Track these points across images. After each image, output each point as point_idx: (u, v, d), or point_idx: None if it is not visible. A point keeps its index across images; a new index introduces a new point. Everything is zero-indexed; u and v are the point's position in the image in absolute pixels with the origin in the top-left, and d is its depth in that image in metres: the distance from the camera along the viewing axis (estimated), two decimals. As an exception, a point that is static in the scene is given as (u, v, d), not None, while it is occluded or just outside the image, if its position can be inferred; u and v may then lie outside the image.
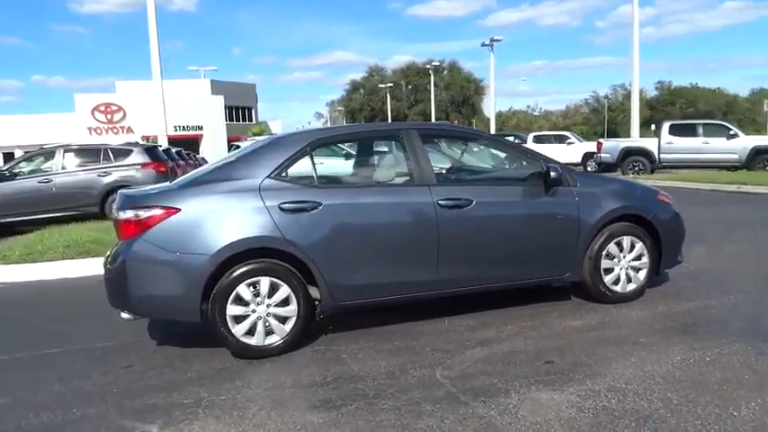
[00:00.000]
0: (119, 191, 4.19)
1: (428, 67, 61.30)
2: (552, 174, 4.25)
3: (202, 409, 3.13)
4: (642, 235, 4.61)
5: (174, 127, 34.07)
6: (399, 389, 3.24)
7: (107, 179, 11.60)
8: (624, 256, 4.58)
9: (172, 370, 3.71)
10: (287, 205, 3.80)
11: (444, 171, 4.63)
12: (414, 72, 78.11)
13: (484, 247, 4.22)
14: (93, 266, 6.79)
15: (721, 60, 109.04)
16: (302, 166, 4.03)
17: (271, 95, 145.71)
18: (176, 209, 3.69)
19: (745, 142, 16.81)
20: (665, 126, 17.93)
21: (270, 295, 3.79)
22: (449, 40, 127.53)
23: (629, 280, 4.61)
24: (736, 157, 16.56)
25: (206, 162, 12.88)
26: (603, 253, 4.50)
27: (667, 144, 17.22)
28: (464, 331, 4.16)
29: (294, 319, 3.84)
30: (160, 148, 13.86)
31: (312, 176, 4.01)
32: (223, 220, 3.73)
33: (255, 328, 3.78)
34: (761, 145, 16.74)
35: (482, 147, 4.86)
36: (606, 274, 4.54)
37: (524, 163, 4.52)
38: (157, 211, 3.68)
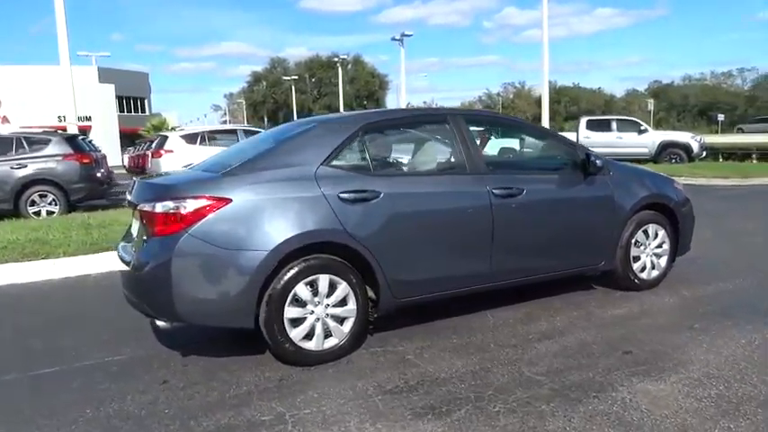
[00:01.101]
0: (137, 179, 3.62)
1: (336, 60, 60.88)
2: (597, 162, 4.21)
3: (292, 425, 2.75)
4: (664, 222, 4.72)
5: (59, 117, 30.75)
6: (498, 389, 3.04)
7: (22, 172, 10.30)
8: (649, 244, 4.66)
9: (222, 383, 3.25)
10: (347, 195, 3.45)
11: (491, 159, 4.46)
12: (318, 65, 77.29)
13: (533, 238, 4.11)
14: (46, 270, 5.97)
15: (594, 62, 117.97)
16: (355, 153, 3.68)
17: (158, 86, 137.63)
18: (227, 199, 3.22)
19: (654, 137, 18.20)
20: (583, 121, 19.02)
21: (328, 294, 3.43)
22: (343, 34, 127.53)
23: (652, 267, 4.71)
24: (646, 150, 17.86)
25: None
26: (633, 241, 4.55)
27: (585, 138, 18.23)
28: (516, 324, 4.02)
29: (353, 319, 3.51)
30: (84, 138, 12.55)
31: (367, 163, 3.68)
32: (280, 211, 3.31)
33: (314, 332, 3.41)
34: (667, 140, 18.19)
35: (522, 134, 4.75)
36: (634, 262, 4.60)
37: (564, 151, 4.45)
38: (205, 202, 3.20)
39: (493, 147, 4.56)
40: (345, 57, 59.08)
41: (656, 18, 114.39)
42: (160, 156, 13.45)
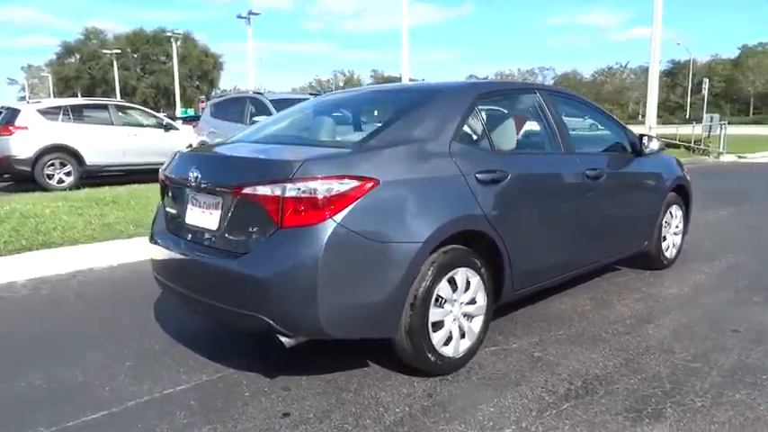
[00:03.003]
0: (197, 152, 2.75)
1: (167, 35, 56.00)
2: (653, 144, 4.22)
3: (516, 452, 2.28)
4: (681, 203, 4.93)
5: None
6: (671, 381, 2.85)
7: None
8: (672, 224, 4.84)
9: (363, 408, 2.62)
10: (482, 175, 2.99)
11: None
12: (142, 40, 70.68)
13: (608, 220, 4.00)
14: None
15: (412, 56, 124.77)
16: (476, 126, 3.20)
17: None
18: (374, 180, 2.58)
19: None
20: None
21: (464, 290, 2.96)
22: (156, 8, 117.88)
23: (673, 246, 4.90)
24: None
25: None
26: (663, 221, 4.69)
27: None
28: (597, 310, 3.89)
29: (482, 317, 3.08)
30: None
31: (487, 139, 3.22)
32: (426, 194, 2.76)
33: (452, 335, 2.92)
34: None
35: (585, 113, 4.56)
36: (663, 242, 4.74)
37: (620, 132, 4.38)
38: (353, 184, 2.52)
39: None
40: (180, 33, 54.56)
41: (465, 16, 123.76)
42: (10, 133, 11.06)
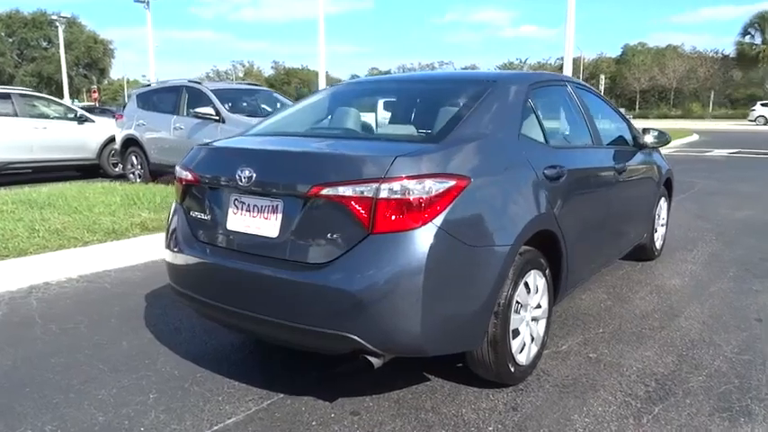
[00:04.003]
0: (245, 146, 2.36)
1: (51, 18, 51.27)
2: (657, 137, 4.27)
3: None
4: (666, 195, 5.08)
5: None
6: (737, 376, 2.86)
7: None
8: (660, 216, 4.97)
9: (454, 429, 2.39)
10: (549, 171, 2.83)
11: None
12: (19, 23, 64.22)
13: (628, 214, 4.00)
14: None
15: (314, 48, 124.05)
16: (532, 119, 3.01)
17: None
18: (466, 178, 2.32)
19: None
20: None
21: (534, 294, 2.80)
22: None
23: (660, 237, 5.04)
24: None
25: None
26: (656, 213, 4.80)
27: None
28: (617, 306, 3.88)
29: (544, 321, 2.94)
30: None
31: (543, 133, 3.05)
32: (509, 193, 2.56)
33: (525, 342, 2.75)
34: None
35: (597, 105, 4.47)
36: (655, 233, 4.85)
37: (625, 124, 4.37)
38: (449, 183, 2.25)
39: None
40: (65, 16, 50.07)
41: (366, 9, 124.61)
42: None
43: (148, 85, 10.17)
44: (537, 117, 3.03)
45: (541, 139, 3.01)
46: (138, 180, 9.56)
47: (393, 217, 2.16)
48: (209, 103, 8.49)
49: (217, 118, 8.24)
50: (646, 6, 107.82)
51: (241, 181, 2.44)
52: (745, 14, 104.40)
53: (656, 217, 4.79)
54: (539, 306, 2.85)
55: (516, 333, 2.65)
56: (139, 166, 9.67)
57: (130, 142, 9.71)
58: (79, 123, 11.06)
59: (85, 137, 11.04)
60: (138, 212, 5.75)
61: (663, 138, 4.27)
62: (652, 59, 56.65)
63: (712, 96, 52.43)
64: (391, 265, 2.15)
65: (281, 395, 2.68)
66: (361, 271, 2.17)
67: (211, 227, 2.65)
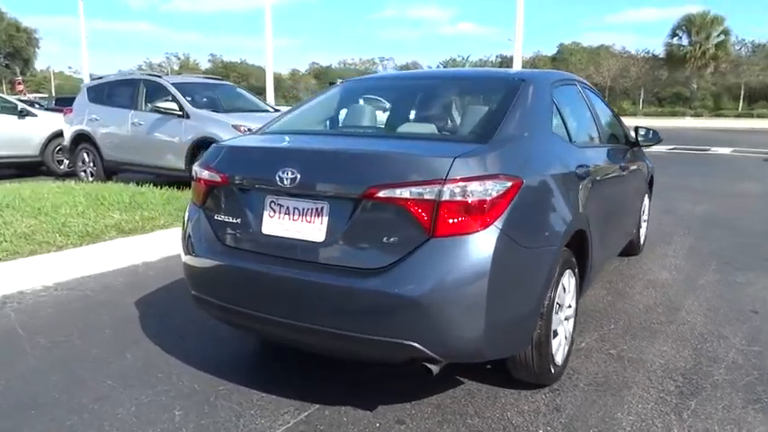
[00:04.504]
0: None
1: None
2: (655, 136, 4.36)
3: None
4: (649, 192, 5.24)
5: None
6: (755, 367, 2.96)
7: None
8: (644, 212, 5.12)
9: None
10: (580, 170, 2.84)
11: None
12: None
13: (627, 211, 4.08)
14: None
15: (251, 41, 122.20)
16: (557, 117, 2.99)
17: None
18: (520, 179, 2.28)
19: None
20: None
21: (567, 293, 2.80)
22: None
23: (644, 233, 5.19)
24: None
25: None
26: (643, 209, 4.94)
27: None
28: (621, 300, 3.96)
29: (572, 320, 2.95)
30: None
31: (566, 131, 3.04)
32: (552, 193, 2.53)
33: (561, 342, 2.75)
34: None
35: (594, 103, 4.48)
36: (640, 230, 4.99)
37: (616, 122, 4.44)
38: (507, 184, 2.20)
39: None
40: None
41: (306, 3, 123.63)
42: None
43: (100, 78, 9.60)
44: (561, 116, 3.03)
45: (566, 138, 3.01)
46: (91, 179, 9.04)
47: (455, 220, 2.09)
48: (170, 97, 8.11)
49: (180, 113, 7.88)
50: (577, 7, 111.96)
51: (283, 182, 2.30)
52: (668, 16, 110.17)
53: (642, 213, 4.92)
54: (569, 306, 2.85)
55: (555, 334, 2.64)
56: (92, 164, 9.13)
57: (82, 138, 9.14)
58: (20, 118, 10.33)
59: (27, 132, 10.33)
60: (109, 213, 5.41)
61: (655, 137, 4.37)
62: (588, 58, 58.79)
63: (642, 94, 54.98)
64: (454, 269, 2.08)
65: (317, 405, 2.57)
66: (422, 276, 2.08)
67: (242, 231, 2.49)
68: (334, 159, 2.35)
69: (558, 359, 2.71)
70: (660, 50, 52.72)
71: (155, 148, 8.13)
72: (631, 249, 4.92)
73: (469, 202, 2.10)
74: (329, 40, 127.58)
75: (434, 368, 2.24)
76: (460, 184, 2.10)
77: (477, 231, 2.10)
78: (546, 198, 2.46)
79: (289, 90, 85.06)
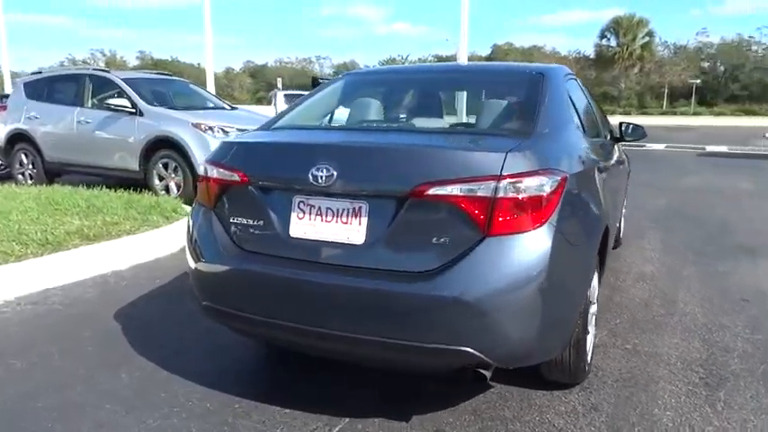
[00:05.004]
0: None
1: None
2: (639, 131, 4.40)
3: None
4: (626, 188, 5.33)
5: None
6: (761, 360, 3.02)
7: None
8: (623, 206, 5.20)
9: (557, 438, 2.27)
10: (602, 164, 2.81)
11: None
12: None
13: (618, 206, 4.11)
14: None
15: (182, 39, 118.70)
16: (575, 112, 2.94)
17: None
18: (566, 174, 2.19)
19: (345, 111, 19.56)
20: (281, 95, 19.03)
21: (595, 290, 2.75)
22: None
23: (622, 227, 5.28)
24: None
25: None
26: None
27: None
28: (614, 293, 3.99)
29: (595, 316, 2.90)
30: None
31: (581, 125, 2.98)
32: (588, 188, 2.47)
33: (590, 339, 2.69)
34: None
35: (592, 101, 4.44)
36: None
37: (603, 117, 4.45)
38: (557, 179, 2.10)
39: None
40: None
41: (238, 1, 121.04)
42: None
43: (39, 73, 8.90)
44: (576, 109, 2.98)
45: (582, 132, 2.96)
46: (31, 182, 8.37)
47: (510, 217, 1.98)
48: (120, 93, 7.62)
49: (133, 110, 7.41)
50: (509, 8, 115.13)
51: (318, 181, 2.12)
52: (594, 18, 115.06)
53: (623, 206, 5.00)
54: (596, 301, 2.81)
55: (587, 331, 2.59)
56: (31, 166, 8.45)
57: (19, 138, 8.44)
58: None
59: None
60: (68, 219, 4.98)
61: (639, 132, 4.41)
62: (521, 59, 60.50)
63: (573, 94, 57.06)
64: (512, 269, 1.97)
65: (347, 419, 2.40)
66: (478, 278, 1.96)
67: (265, 234, 2.28)
68: (375, 156, 2.18)
69: (589, 357, 2.66)
70: (590, 51, 54.92)
71: (104, 147, 7.61)
72: (614, 242, 4.98)
73: (525, 198, 1.99)
74: (264, 39, 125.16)
75: (488, 373, 2.13)
76: (516, 179, 1.99)
77: (533, 229, 2.00)
78: (584, 193, 2.39)
79: (223, 89, 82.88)
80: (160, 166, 7.28)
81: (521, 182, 1.99)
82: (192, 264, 2.49)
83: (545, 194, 2.03)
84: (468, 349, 1.99)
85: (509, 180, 1.98)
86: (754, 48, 56.07)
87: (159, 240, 4.99)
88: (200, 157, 6.95)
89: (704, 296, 3.93)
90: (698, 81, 48.49)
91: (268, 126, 2.86)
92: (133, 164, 7.40)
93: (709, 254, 5.00)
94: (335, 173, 2.11)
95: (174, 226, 5.34)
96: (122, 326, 3.40)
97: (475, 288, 1.95)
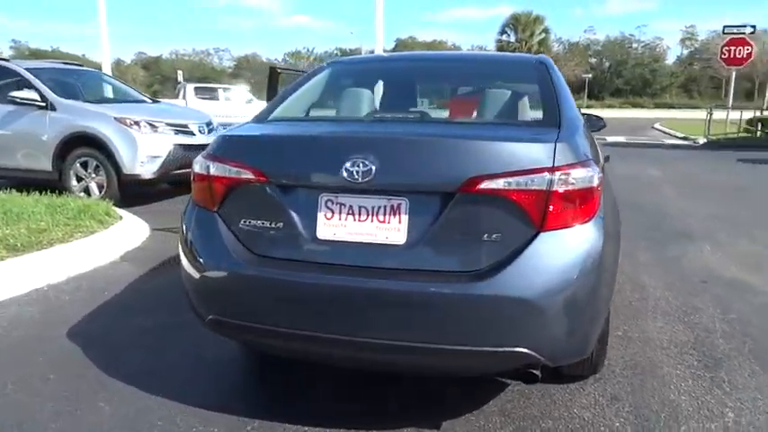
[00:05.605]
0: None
1: None
2: (599, 122, 4.48)
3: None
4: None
5: None
6: (751, 337, 3.15)
7: None
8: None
9: (594, 434, 2.23)
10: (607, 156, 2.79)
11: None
12: None
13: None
14: None
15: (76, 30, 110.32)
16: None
17: None
18: (601, 166, 2.16)
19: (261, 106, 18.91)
20: (190, 88, 18.07)
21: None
22: None
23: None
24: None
25: None
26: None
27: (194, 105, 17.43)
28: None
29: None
30: None
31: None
32: (608, 181, 2.43)
33: (601, 332, 2.70)
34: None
35: None
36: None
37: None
38: (597, 170, 2.05)
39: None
40: None
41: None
42: None
43: None
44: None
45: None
46: None
47: (564, 211, 1.90)
48: (23, 84, 6.83)
49: (43, 104, 6.65)
50: (411, 2, 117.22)
51: (353, 176, 1.92)
52: (487, 15, 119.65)
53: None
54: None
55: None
56: None
57: None
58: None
59: None
60: (-15, 228, 4.37)
61: (599, 122, 4.48)
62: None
63: (476, 87, 59.17)
64: (568, 265, 1.89)
65: (375, 433, 2.23)
66: (535, 275, 1.86)
67: (286, 237, 2.05)
68: (419, 148, 2.00)
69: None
70: (491, 47, 57.07)
71: (10, 146, 6.79)
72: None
73: (577, 190, 1.92)
74: (156, 29, 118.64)
75: (539, 373, 2.04)
76: (567, 171, 1.91)
77: (585, 222, 1.94)
78: (608, 184, 2.36)
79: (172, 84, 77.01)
80: (78, 165, 6.61)
81: (571, 173, 1.92)
82: (192, 274, 2.20)
83: (595, 185, 1.97)
84: (523, 349, 1.89)
85: (562, 172, 1.90)
86: (634, 45, 60.84)
87: (96, 248, 4.50)
88: (126, 156, 6.39)
89: (667, 281, 4.10)
90: (590, 76, 51.83)
91: (263, 118, 2.60)
92: (45, 164, 6.67)
93: (659, 240, 5.26)
94: (374, 167, 1.92)
95: (111, 231, 4.85)
96: (80, 347, 2.99)
97: (534, 285, 1.85)
